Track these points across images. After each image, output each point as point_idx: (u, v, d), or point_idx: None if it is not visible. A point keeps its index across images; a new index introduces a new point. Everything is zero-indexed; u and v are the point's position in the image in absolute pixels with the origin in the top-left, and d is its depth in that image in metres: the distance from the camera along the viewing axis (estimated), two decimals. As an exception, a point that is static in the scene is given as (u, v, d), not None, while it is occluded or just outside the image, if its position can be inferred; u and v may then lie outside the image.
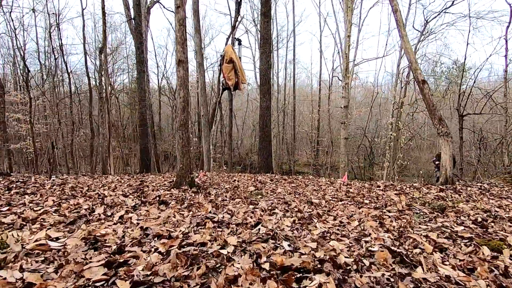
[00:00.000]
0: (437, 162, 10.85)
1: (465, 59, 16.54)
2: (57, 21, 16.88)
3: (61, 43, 16.81)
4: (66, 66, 17.57)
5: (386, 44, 37.84)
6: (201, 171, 9.40)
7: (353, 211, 4.36)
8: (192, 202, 4.67)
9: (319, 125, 25.11)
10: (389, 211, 4.36)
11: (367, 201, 5.19)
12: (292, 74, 25.98)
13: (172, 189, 5.55)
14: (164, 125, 28.03)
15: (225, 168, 20.50)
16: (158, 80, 24.73)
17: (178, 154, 5.92)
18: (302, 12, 52.74)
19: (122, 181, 7.40)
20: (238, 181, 7.83)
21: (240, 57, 9.94)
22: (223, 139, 23.32)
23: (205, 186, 6.66)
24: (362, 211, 4.34)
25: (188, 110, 5.68)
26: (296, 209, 4.42)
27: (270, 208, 4.43)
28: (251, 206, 4.47)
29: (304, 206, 4.66)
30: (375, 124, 21.04)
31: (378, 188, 6.68)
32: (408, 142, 16.49)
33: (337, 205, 4.90)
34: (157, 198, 4.74)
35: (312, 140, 26.17)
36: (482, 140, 17.70)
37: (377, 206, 4.74)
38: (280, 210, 4.28)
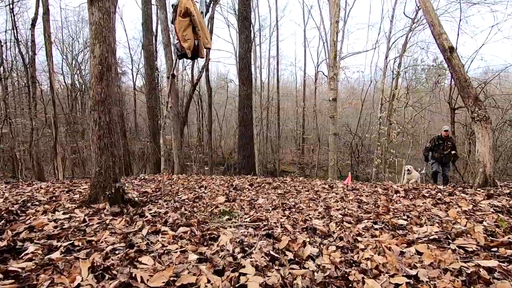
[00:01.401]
0: (426, 154, 8.69)
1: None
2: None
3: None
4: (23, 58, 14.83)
5: (378, 35, 36.06)
6: (164, 173, 7.14)
7: (401, 253, 2.16)
8: (89, 238, 2.37)
9: (304, 122, 23.04)
10: (467, 250, 2.19)
11: (402, 221, 3.01)
12: (275, 70, 23.88)
13: (78, 208, 3.21)
14: (143, 124, 25.43)
15: (206, 168, 18.16)
16: (132, 75, 22.15)
17: (93, 151, 3.60)
18: (285, 6, 50.08)
19: (26, 190, 5.01)
20: (206, 188, 5.57)
21: (211, 17, 7.69)
22: (203, 138, 20.93)
23: (152, 198, 4.36)
24: (420, 255, 2.14)
25: (109, 78, 3.38)
26: (291, 252, 2.20)
27: (239, 251, 2.19)
28: (201, 250, 2.20)
29: (305, 241, 2.43)
30: (363, 119, 19.12)
31: (398, 195, 4.53)
32: (398, 137, 14.54)
33: (358, 232, 2.71)
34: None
35: (298, 138, 24.10)
36: (472, 135, 15.99)
37: (432, 235, 2.56)
38: (258, 257, 2.04)
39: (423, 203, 3.88)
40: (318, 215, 3.43)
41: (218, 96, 27.31)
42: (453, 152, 8.18)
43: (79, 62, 23.23)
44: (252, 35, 19.06)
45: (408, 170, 8.54)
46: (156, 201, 4.24)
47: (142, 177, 7.64)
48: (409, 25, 14.75)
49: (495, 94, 14.66)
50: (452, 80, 14.58)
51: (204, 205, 4.04)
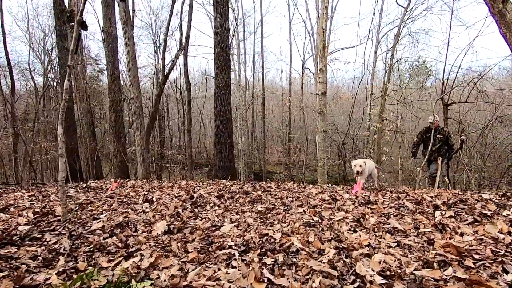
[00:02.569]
0: (414, 150, 6.89)
1: (448, 41, 13.08)
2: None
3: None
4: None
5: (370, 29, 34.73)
6: (113, 180, 5.26)
7: None
8: None
9: (290, 121, 21.33)
10: None
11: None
12: (260, 67, 22.11)
13: None
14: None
15: (187, 169, 16.18)
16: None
17: None
18: (270, 1, 47.48)
19: None
20: (152, 203, 3.70)
21: (190, 7, 5.86)
22: (185, 137, 18.96)
23: (43, 227, 2.49)
24: None
25: None
26: None
27: None
28: None
29: None
30: (353, 116, 17.55)
31: (442, 213, 2.78)
32: (391, 135, 12.97)
33: None
34: None
35: (283, 137, 22.38)
36: (463, 132, 14.64)
37: None
38: None
39: (499, 231, 2.14)
40: (330, 273, 1.64)
41: (202, 94, 25.38)
42: (461, 138, 6.78)
43: (52, 59, 20.93)
44: (235, 24, 17.22)
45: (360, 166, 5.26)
46: (44, 232, 2.36)
47: (86, 185, 5.70)
48: (401, 15, 13.21)
49: (488, 89, 13.21)
50: (444, 74, 13.15)
51: (114, 247, 2.19)
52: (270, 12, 54.64)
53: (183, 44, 10.33)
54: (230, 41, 16.85)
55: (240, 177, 19.85)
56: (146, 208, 3.40)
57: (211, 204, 3.51)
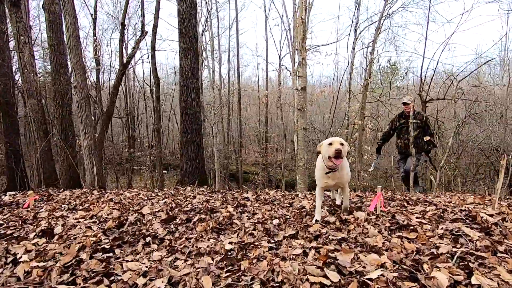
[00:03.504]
0: (379, 142, 5.52)
1: (426, 37, 12.29)
2: None
3: None
4: None
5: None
6: (30, 192, 3.69)
7: None
8: None
9: (267, 119, 20.08)
10: None
11: None
12: (236, 65, 20.69)
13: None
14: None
15: (166, 172, 14.43)
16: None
17: None
18: None
19: None
20: (51, 236, 2.21)
21: None
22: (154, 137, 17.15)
23: None
24: None
25: None
26: None
27: None
28: None
29: None
30: (329, 114, 16.55)
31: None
32: (373, 133, 12.03)
33: None
34: None
35: (261, 137, 21.10)
36: (439, 129, 14.04)
37: None
38: None
39: None
40: None
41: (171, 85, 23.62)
42: (426, 138, 4.87)
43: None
44: (206, 13, 15.70)
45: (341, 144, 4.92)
46: None
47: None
48: (382, 8, 12.28)
49: (464, 86, 12.52)
50: (422, 70, 12.36)
51: None
52: (245, 8, 53.09)
53: (145, 31, 8.73)
54: (198, 22, 15.23)
55: (215, 180, 18.36)
56: (35, 248, 1.90)
57: (149, 238, 2.07)
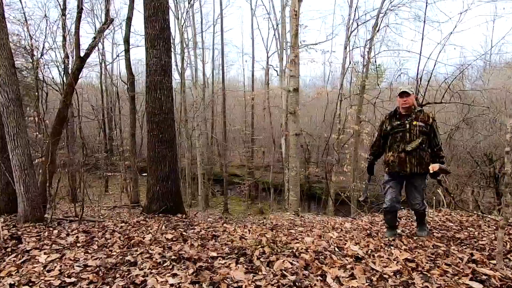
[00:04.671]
0: (369, 158, 3.54)
1: (422, 36, 11.05)
2: None
3: None
4: None
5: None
6: None
7: None
8: None
9: (253, 121, 18.58)
10: None
11: None
12: (220, 64, 19.03)
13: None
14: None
15: (145, 175, 12.60)
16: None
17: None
18: None
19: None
20: None
21: None
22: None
23: None
24: None
25: None
26: None
27: None
28: None
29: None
30: (319, 118, 15.27)
31: None
32: (369, 138, 10.76)
33: None
34: None
35: (246, 139, 19.57)
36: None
37: None
38: None
39: None
40: None
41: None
42: (434, 166, 3.02)
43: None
44: (187, 5, 13.98)
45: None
46: None
47: None
48: (380, 3, 11.01)
49: (461, 90, 11.43)
50: (418, 73, 11.19)
51: None
52: (230, 4, 50.87)
53: (110, 18, 7.03)
54: (179, 14, 13.44)
55: (198, 186, 16.69)
56: None
57: None
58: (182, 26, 14.13)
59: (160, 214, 4.70)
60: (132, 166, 10.91)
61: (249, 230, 4.15)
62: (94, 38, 6.91)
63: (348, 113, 10.69)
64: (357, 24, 10.66)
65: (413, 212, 3.62)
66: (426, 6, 10.16)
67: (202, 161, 17.14)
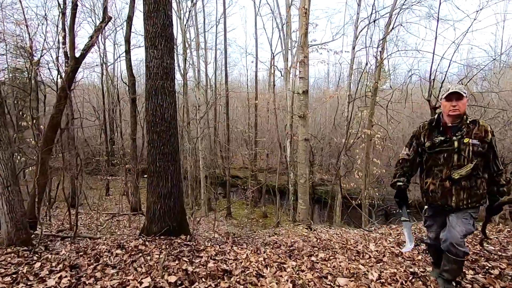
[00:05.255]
0: (400, 183, 2.45)
1: (436, 36, 10.38)
2: None
3: None
4: None
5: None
6: None
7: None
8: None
9: (256, 122, 17.94)
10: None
11: None
12: (223, 64, 18.39)
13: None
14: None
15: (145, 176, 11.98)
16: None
17: None
18: None
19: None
20: None
21: None
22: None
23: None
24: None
25: None
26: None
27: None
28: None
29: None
30: (329, 120, 14.63)
31: None
32: (382, 143, 10.15)
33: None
34: None
35: (249, 141, 18.95)
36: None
37: None
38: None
39: None
40: None
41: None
42: (500, 185, 2.20)
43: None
44: (190, 4, 13.37)
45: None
46: None
47: None
48: (394, 1, 10.34)
49: (478, 91, 10.78)
50: (432, 73, 10.48)
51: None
52: (233, 4, 50.10)
53: (108, 16, 6.43)
54: (181, 14, 12.84)
55: (201, 190, 16.10)
56: None
57: None
58: (185, 26, 13.50)
59: (162, 237, 4.09)
60: (132, 171, 10.32)
61: (264, 259, 3.55)
62: (91, 37, 6.29)
63: (360, 116, 10.05)
64: (369, 21, 9.98)
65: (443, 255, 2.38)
66: (440, 3, 9.53)
67: (205, 164, 16.53)
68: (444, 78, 10.66)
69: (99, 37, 20.82)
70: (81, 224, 8.34)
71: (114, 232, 7.14)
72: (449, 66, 10.10)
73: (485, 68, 10.47)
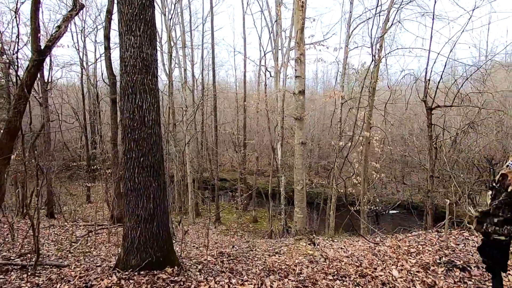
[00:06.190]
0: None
1: (431, 35, 9.87)
2: None
3: None
4: None
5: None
6: None
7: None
8: None
9: (245, 124, 17.09)
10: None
11: None
12: (210, 64, 17.45)
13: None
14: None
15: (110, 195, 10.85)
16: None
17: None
18: None
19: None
20: None
21: None
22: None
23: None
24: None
25: None
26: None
27: None
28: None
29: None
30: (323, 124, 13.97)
31: None
32: (382, 146, 9.54)
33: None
34: None
35: (238, 143, 18.08)
36: (437, 138, 11.95)
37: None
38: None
39: None
40: None
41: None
42: None
43: None
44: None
45: None
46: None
47: None
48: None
49: (471, 92, 10.34)
50: (427, 74, 9.94)
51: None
52: (220, 3, 48.93)
53: (80, 3, 5.45)
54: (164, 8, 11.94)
55: (188, 196, 15.08)
56: None
57: None
58: (170, 21, 12.50)
59: (142, 272, 3.19)
60: (114, 177, 9.25)
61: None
62: (59, 27, 5.30)
63: (356, 117, 9.40)
64: (367, 17, 9.36)
65: None
66: (435, 2, 8.99)
67: (192, 167, 15.54)
68: (441, 77, 10.14)
69: (80, 36, 19.36)
70: (51, 241, 7.26)
71: (88, 252, 6.12)
72: (446, 64, 9.54)
73: (475, 68, 10.00)
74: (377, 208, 14.72)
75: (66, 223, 9.77)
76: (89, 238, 7.78)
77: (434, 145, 10.32)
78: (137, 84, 3.21)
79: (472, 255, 4.04)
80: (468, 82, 9.90)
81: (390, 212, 17.94)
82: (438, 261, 3.97)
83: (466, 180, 11.95)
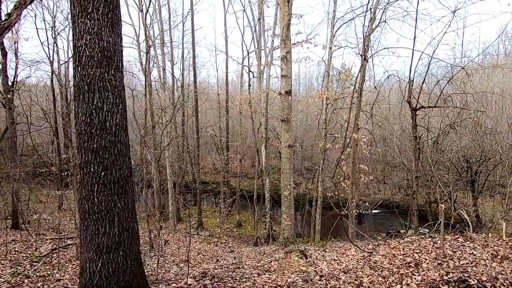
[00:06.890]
0: None
1: (415, 37, 9.69)
2: None
3: None
4: None
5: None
6: None
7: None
8: None
9: (228, 126, 16.41)
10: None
11: None
12: (191, 64, 16.60)
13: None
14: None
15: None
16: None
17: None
18: None
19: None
20: None
21: None
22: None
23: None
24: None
25: None
26: None
27: None
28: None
29: None
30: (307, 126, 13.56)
31: None
32: (369, 148, 9.22)
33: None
34: None
35: (221, 145, 17.35)
36: (421, 139, 11.89)
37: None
38: None
39: None
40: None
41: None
42: None
43: None
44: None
45: None
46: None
47: None
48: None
49: (454, 93, 10.26)
50: (411, 74, 9.77)
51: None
52: (200, 1, 47.53)
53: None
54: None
55: (169, 201, 14.18)
56: None
57: None
58: (146, 14, 11.64)
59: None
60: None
61: None
62: (9, 15, 4.44)
63: (342, 119, 9.01)
64: (352, 16, 9.01)
65: None
66: (418, 2, 8.77)
67: (173, 171, 14.67)
68: (425, 79, 9.96)
69: (51, 33, 17.88)
70: (9, 260, 6.32)
71: (51, 275, 5.27)
72: (429, 63, 9.29)
73: (457, 68, 9.89)
74: (360, 208, 14.54)
75: (31, 237, 8.71)
76: (55, 255, 6.87)
77: (418, 146, 10.17)
78: (95, 80, 2.52)
79: (476, 267, 3.66)
80: (449, 83, 9.76)
81: (373, 211, 17.88)
82: (445, 277, 3.56)
83: (448, 180, 11.95)
